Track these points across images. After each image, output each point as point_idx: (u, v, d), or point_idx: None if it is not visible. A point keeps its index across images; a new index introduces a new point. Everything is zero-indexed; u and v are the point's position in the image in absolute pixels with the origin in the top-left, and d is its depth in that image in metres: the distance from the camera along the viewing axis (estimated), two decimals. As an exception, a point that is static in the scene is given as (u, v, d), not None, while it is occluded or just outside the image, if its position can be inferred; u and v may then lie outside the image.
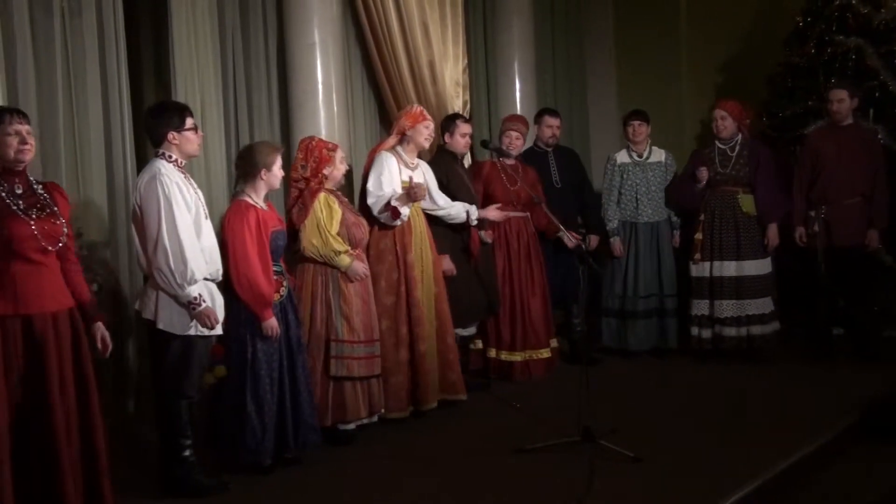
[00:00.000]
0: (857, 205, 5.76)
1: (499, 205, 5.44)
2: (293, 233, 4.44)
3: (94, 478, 3.24)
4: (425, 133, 5.00)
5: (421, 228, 4.99)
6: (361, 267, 4.53)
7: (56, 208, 3.30)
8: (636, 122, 6.14)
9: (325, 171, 4.44)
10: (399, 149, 5.01)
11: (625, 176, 6.15)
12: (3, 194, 3.17)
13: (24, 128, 3.18)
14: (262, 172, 4.03)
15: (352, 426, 4.51)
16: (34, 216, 3.19)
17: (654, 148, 6.21)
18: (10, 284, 3.10)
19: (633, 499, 3.61)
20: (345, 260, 4.45)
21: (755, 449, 4.12)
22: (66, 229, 3.30)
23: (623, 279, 6.12)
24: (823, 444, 4.29)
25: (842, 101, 5.78)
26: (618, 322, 6.17)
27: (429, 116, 5.08)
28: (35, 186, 3.29)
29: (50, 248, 3.23)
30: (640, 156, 6.17)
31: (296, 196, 4.48)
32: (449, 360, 5.02)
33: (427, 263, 4.96)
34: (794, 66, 6.80)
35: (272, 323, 3.95)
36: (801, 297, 6.08)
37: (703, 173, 5.85)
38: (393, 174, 4.85)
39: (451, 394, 5.03)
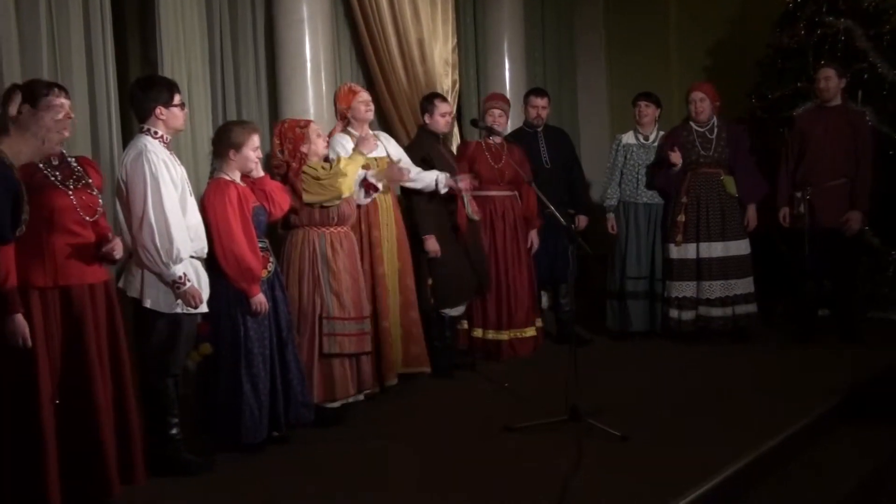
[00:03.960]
0: (842, 186, 5.78)
1: (469, 174, 5.33)
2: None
3: (127, 449, 3.26)
4: (362, 107, 4.97)
5: (387, 204, 4.99)
6: (370, 139, 4.64)
7: (90, 180, 3.34)
8: (642, 103, 6.15)
9: (303, 149, 4.42)
10: (350, 129, 4.98)
11: (628, 156, 6.16)
12: (42, 166, 3.21)
13: (67, 102, 3.19)
14: (231, 153, 3.98)
15: (337, 404, 4.50)
16: (72, 188, 3.24)
17: (662, 132, 6.21)
18: (50, 256, 3.14)
19: (620, 477, 3.63)
20: (356, 159, 4.53)
21: (740, 429, 4.14)
22: (101, 200, 3.35)
23: (623, 260, 6.13)
24: (807, 425, 4.32)
25: (829, 78, 5.78)
26: (620, 304, 6.18)
27: (359, 89, 5.06)
28: (69, 159, 3.34)
29: (88, 218, 3.28)
30: (645, 138, 6.18)
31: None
32: (413, 335, 5.04)
33: (392, 240, 4.95)
34: (784, 47, 6.81)
35: (260, 298, 3.93)
36: (786, 279, 6.11)
37: (676, 157, 5.84)
38: (349, 152, 4.82)
39: (415, 366, 5.05)
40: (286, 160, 4.43)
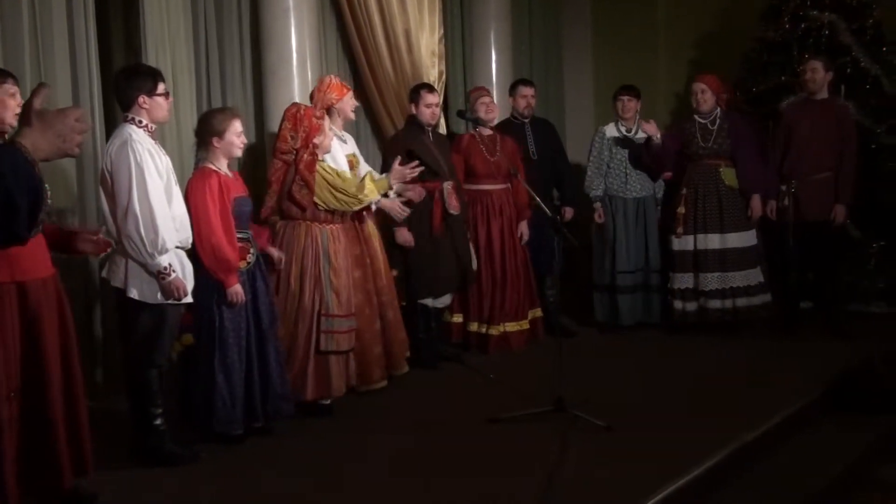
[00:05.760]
0: (827, 179, 5.79)
1: (415, 185, 5.00)
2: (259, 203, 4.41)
3: (77, 441, 3.23)
4: (352, 104, 4.93)
5: None
6: (397, 172, 4.64)
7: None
8: (625, 97, 6.15)
9: (316, 141, 4.37)
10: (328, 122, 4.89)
11: (614, 150, 6.16)
12: None
13: (17, 89, 3.11)
14: (214, 140, 3.96)
15: (328, 400, 4.50)
16: None
17: (643, 123, 6.22)
18: (6, 252, 3.01)
19: (603, 467, 3.64)
20: (382, 185, 4.55)
21: (724, 419, 4.18)
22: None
23: (612, 254, 6.14)
24: (790, 416, 4.36)
25: (815, 70, 5.80)
26: (610, 296, 6.19)
27: (349, 87, 5.00)
28: None
29: None
30: (628, 131, 6.18)
31: (281, 169, 4.39)
32: (399, 321, 5.03)
33: (376, 233, 4.97)
34: (769, 41, 6.84)
35: (237, 289, 3.90)
36: (770, 271, 6.14)
37: (651, 127, 5.82)
38: (336, 154, 4.76)
39: (403, 351, 5.07)
40: (296, 148, 4.37)
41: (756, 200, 5.89)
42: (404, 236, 5.23)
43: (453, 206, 5.37)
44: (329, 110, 4.83)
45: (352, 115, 4.98)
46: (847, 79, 6.37)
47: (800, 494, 3.75)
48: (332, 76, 5.05)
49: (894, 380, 4.69)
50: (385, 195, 4.76)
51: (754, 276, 5.92)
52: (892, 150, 6.46)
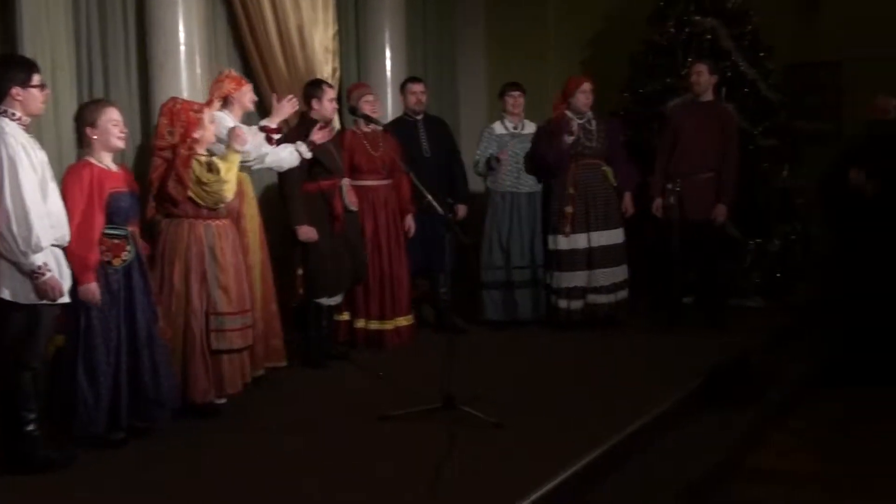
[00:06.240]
0: (710, 179, 6.02)
1: (320, 125, 5.18)
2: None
3: None
4: (250, 95, 4.93)
5: (251, 195, 4.95)
6: (243, 133, 4.43)
7: None
8: (516, 93, 6.25)
9: (196, 135, 4.26)
10: (227, 113, 4.81)
11: (501, 146, 6.22)
12: None
13: None
14: (88, 130, 3.85)
15: (223, 400, 4.42)
16: None
17: (527, 121, 6.32)
18: None
19: (490, 463, 3.70)
20: (230, 155, 4.34)
21: (609, 413, 4.29)
22: None
23: (503, 250, 6.21)
24: (671, 408, 4.52)
25: (700, 73, 6.03)
26: (503, 294, 6.24)
27: (248, 82, 5.04)
28: None
29: None
30: (515, 127, 6.27)
31: (161, 167, 4.27)
32: (273, 328, 5.01)
33: (255, 230, 4.91)
34: (655, 44, 7.07)
35: (90, 287, 3.75)
36: (655, 267, 6.35)
37: (574, 127, 5.94)
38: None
39: (274, 360, 5.02)
40: (174, 143, 4.25)
41: (628, 198, 6.13)
42: (307, 233, 5.18)
43: (353, 203, 5.37)
44: (226, 100, 4.78)
45: (250, 105, 4.95)
46: (727, 82, 6.64)
47: (678, 485, 3.89)
48: (228, 69, 5.01)
49: (765, 372, 4.93)
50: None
51: (624, 270, 6.16)
52: (768, 152, 6.80)
